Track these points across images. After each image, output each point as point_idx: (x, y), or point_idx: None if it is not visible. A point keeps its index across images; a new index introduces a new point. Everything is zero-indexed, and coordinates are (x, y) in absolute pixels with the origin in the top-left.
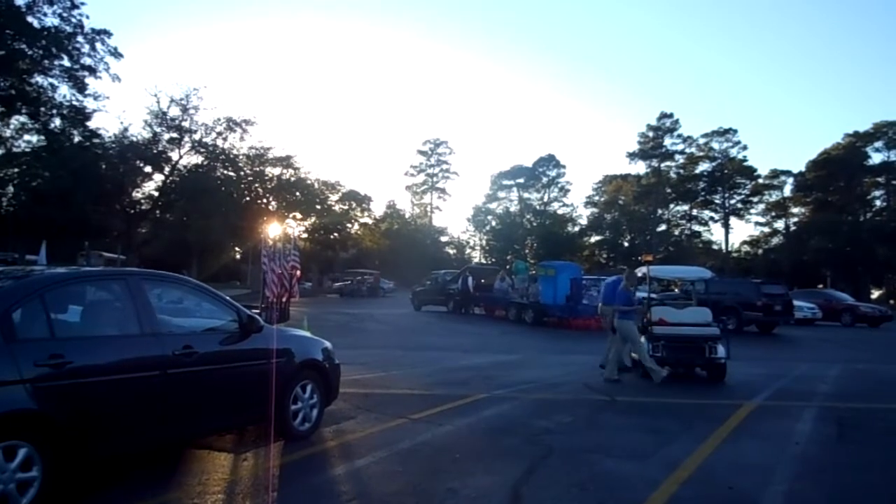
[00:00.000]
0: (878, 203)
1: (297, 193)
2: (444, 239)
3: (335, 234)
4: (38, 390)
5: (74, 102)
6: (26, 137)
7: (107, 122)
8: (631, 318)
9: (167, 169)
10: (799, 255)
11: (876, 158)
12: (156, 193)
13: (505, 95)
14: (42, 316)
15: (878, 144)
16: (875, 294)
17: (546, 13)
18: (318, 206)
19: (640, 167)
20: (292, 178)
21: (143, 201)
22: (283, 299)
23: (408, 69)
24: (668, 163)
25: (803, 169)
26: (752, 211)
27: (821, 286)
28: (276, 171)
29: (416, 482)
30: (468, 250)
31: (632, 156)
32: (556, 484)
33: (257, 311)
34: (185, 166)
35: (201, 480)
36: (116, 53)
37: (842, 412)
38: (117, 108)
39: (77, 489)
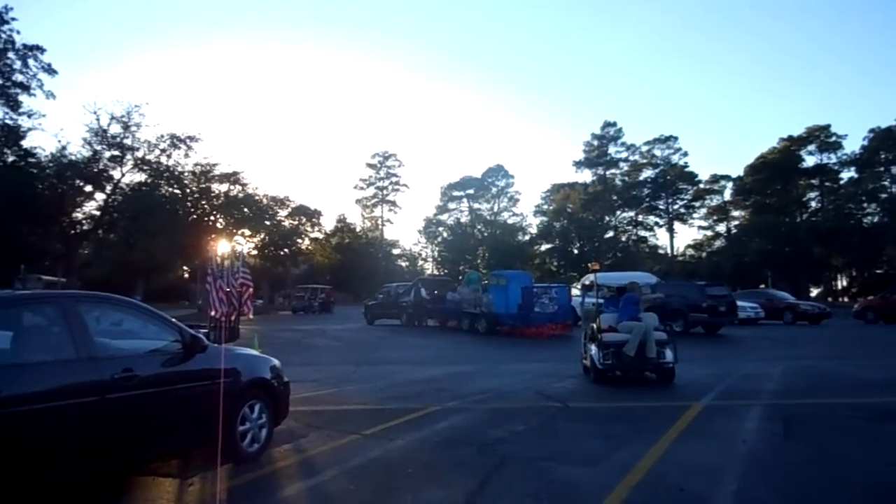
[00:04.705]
0: (813, 204)
1: (246, 209)
2: (395, 252)
3: (285, 250)
4: None
5: (7, 121)
6: None
7: (43, 141)
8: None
9: (109, 188)
10: (740, 257)
11: (809, 161)
12: (97, 213)
13: (452, 108)
14: None
15: (812, 148)
16: (814, 292)
17: (492, 29)
18: (268, 222)
19: (586, 175)
20: (240, 195)
21: (84, 221)
22: (232, 318)
23: (355, 83)
24: (612, 170)
25: (742, 173)
26: (695, 215)
27: (762, 286)
28: (224, 187)
29: (368, 499)
30: (420, 262)
31: (578, 164)
32: (510, 494)
33: (205, 330)
34: (127, 184)
35: None
36: (50, 70)
37: (787, 409)
38: (54, 126)
39: None
